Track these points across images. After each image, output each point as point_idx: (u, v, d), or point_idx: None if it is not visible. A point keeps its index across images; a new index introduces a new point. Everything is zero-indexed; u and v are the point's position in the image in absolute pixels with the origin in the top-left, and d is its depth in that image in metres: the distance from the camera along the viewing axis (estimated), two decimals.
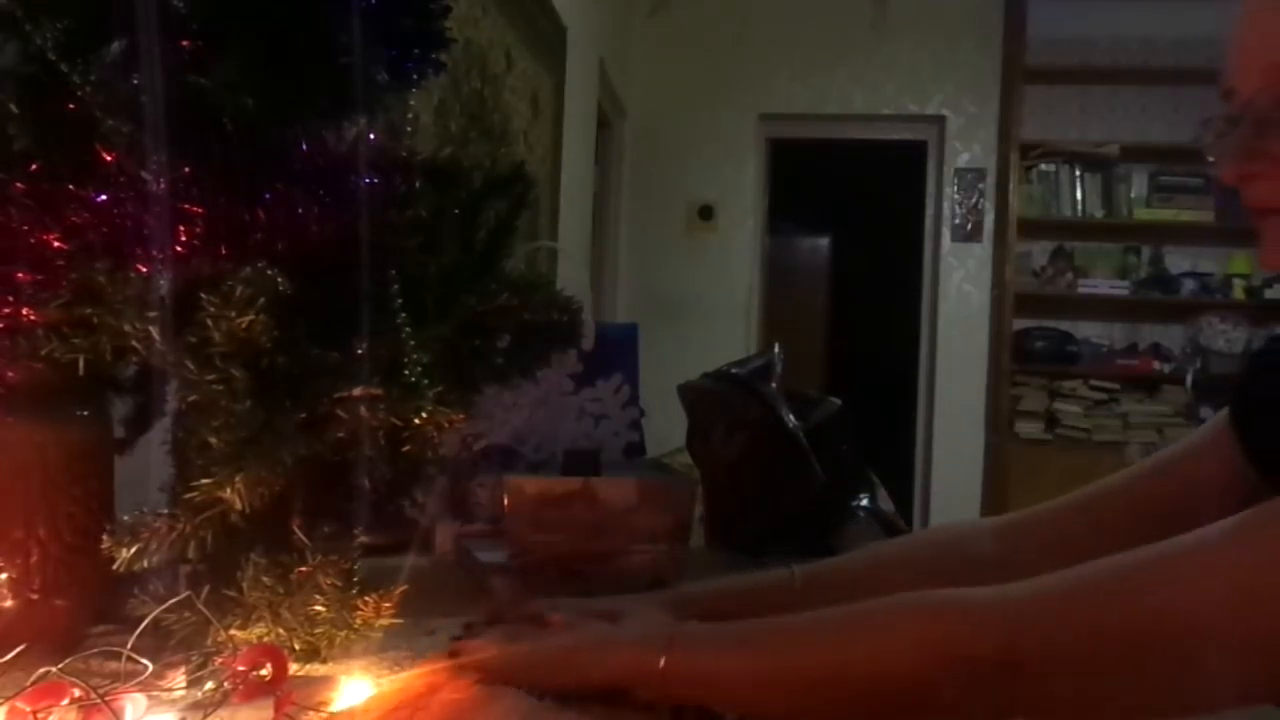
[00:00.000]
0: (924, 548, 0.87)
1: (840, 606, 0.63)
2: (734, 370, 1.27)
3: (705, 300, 5.06)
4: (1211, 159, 0.63)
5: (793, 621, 0.64)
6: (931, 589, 0.78)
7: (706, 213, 5.11)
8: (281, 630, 0.71)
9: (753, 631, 0.65)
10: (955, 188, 5.04)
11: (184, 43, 0.71)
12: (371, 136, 0.78)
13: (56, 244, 0.69)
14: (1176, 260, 4.90)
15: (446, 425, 0.75)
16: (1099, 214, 4.88)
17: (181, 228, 0.70)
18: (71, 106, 0.68)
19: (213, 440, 0.67)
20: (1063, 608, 0.56)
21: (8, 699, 0.59)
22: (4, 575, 0.73)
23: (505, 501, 0.99)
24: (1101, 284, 4.87)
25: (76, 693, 0.59)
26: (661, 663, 0.62)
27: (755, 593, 0.82)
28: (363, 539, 0.77)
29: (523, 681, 0.66)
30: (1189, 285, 4.80)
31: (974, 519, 0.85)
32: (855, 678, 0.59)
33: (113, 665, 0.65)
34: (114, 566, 0.68)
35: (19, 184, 0.68)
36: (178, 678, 0.66)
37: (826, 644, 0.61)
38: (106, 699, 0.59)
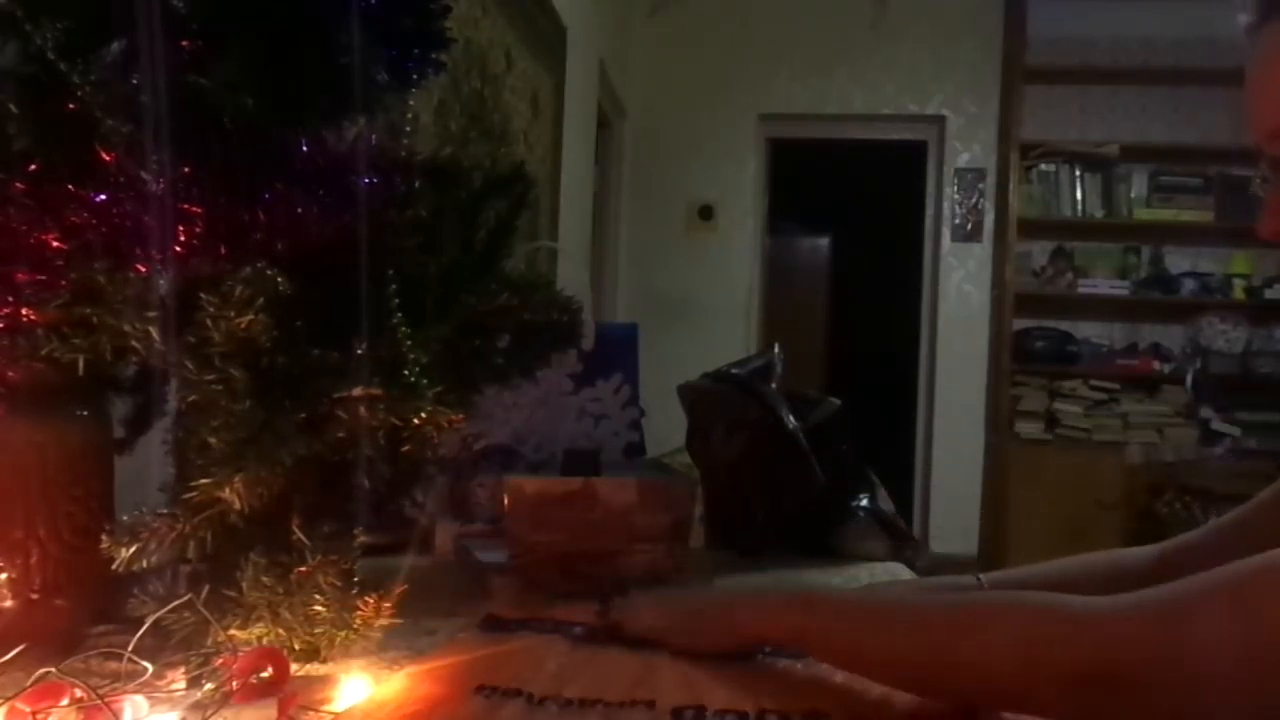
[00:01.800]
0: (1092, 571, 0.87)
1: (957, 597, 0.69)
2: (734, 370, 1.27)
3: (705, 300, 5.06)
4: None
5: (915, 609, 0.69)
6: None
7: (706, 213, 5.11)
8: (281, 630, 0.71)
9: (881, 612, 0.70)
10: (955, 188, 5.04)
11: (184, 43, 0.71)
12: (371, 136, 0.78)
13: (56, 244, 0.69)
14: (1176, 260, 4.90)
15: (446, 425, 0.75)
16: (1099, 214, 4.88)
17: (181, 228, 0.70)
18: (71, 106, 0.68)
19: (213, 440, 0.67)
20: (1166, 620, 0.55)
21: (8, 699, 0.59)
22: (4, 575, 0.73)
23: (505, 501, 0.99)
24: (1101, 284, 4.87)
25: (77, 693, 0.59)
26: (797, 623, 0.71)
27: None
28: (363, 539, 0.77)
29: (685, 640, 0.76)
30: (1189, 285, 4.80)
31: (1142, 548, 0.85)
32: (961, 671, 0.62)
33: (113, 666, 0.65)
34: (114, 566, 0.68)
35: (19, 184, 0.68)
36: (177, 678, 0.66)
37: (938, 636, 0.64)
38: (106, 700, 0.59)
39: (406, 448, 0.75)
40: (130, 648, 0.64)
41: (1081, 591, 0.81)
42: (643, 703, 0.65)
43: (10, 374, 0.71)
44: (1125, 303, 4.90)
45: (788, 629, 0.72)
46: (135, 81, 0.69)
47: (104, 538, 0.68)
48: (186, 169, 0.69)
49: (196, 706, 0.62)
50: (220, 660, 0.66)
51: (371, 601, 0.74)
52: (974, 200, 5.02)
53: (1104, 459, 4.68)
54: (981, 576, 0.85)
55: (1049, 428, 4.83)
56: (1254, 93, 0.65)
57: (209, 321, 0.67)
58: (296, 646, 0.72)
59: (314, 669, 0.72)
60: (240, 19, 0.71)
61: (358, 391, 0.72)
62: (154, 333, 0.67)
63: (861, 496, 1.23)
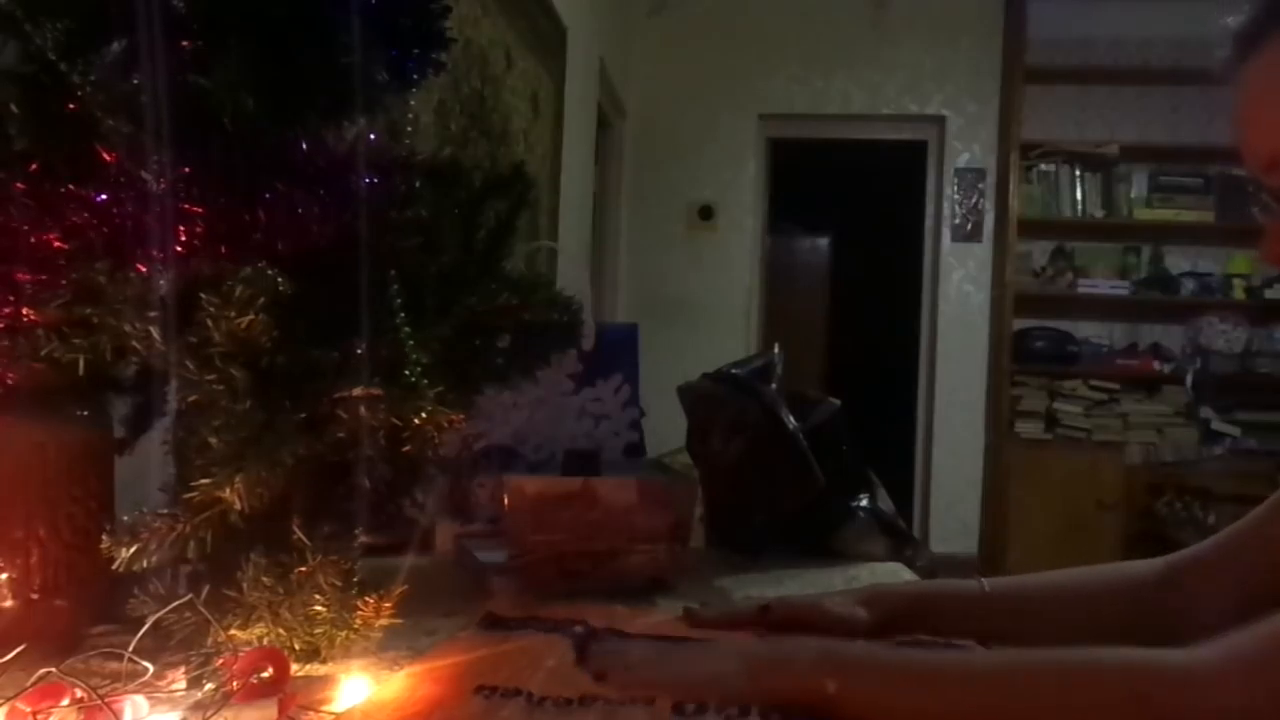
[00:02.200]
0: (1102, 583, 0.85)
1: (1030, 653, 0.62)
2: (734, 371, 1.27)
3: (705, 300, 5.06)
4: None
5: (977, 664, 0.63)
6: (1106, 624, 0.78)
7: (706, 213, 5.11)
8: (281, 630, 0.71)
9: (931, 667, 0.64)
10: (955, 188, 5.04)
11: (184, 43, 0.71)
12: (371, 136, 0.78)
13: (56, 244, 0.69)
14: (1176, 260, 4.90)
15: (446, 425, 0.75)
16: (1099, 214, 4.88)
17: (181, 228, 0.70)
18: (71, 106, 0.68)
19: (213, 440, 0.67)
20: (1264, 670, 0.54)
21: (8, 699, 0.59)
22: (4, 575, 0.73)
23: (505, 501, 0.99)
24: (1101, 284, 4.87)
25: (78, 693, 0.59)
26: (832, 688, 0.62)
27: (946, 599, 0.85)
28: (363, 539, 0.77)
29: (699, 697, 0.65)
30: (1189, 285, 4.80)
31: (1149, 560, 0.84)
32: None
33: (113, 666, 0.65)
34: (114, 566, 0.68)
35: (19, 184, 0.68)
36: (178, 678, 0.66)
37: (1018, 696, 0.59)
38: (107, 700, 0.59)
39: (406, 448, 0.75)
40: (130, 648, 0.64)
41: (1093, 602, 0.80)
42: (643, 700, 0.65)
43: (10, 374, 0.70)
44: (1125, 303, 4.90)
45: (816, 694, 0.63)
46: (135, 81, 0.69)
47: (104, 538, 0.68)
48: (187, 169, 0.69)
49: (197, 706, 0.62)
50: (220, 660, 0.66)
51: (371, 601, 0.74)
52: (974, 200, 5.03)
53: (1104, 459, 4.68)
54: (984, 580, 0.85)
55: (1049, 428, 4.83)
56: (1244, 126, 0.65)
57: (209, 321, 0.67)
58: (296, 646, 0.72)
59: (314, 669, 0.72)
60: (240, 19, 0.71)
61: (358, 391, 0.72)
62: (154, 333, 0.67)
63: (861, 497, 1.23)
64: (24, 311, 0.68)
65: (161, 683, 0.65)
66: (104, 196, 0.69)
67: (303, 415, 0.71)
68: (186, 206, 0.70)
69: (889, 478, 1.33)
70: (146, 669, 0.64)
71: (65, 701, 0.59)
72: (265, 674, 0.64)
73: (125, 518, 0.70)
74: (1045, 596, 0.84)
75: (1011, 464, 4.76)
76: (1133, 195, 4.87)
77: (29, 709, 0.58)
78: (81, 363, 0.67)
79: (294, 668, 0.69)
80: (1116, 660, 0.58)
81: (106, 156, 0.68)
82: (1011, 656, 0.64)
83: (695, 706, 0.64)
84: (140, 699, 0.61)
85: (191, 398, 0.68)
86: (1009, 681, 0.60)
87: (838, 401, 1.25)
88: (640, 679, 0.69)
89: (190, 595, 0.68)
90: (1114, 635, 0.77)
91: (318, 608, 0.72)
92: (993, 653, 0.65)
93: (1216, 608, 0.75)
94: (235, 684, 0.64)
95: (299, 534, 0.72)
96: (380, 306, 0.74)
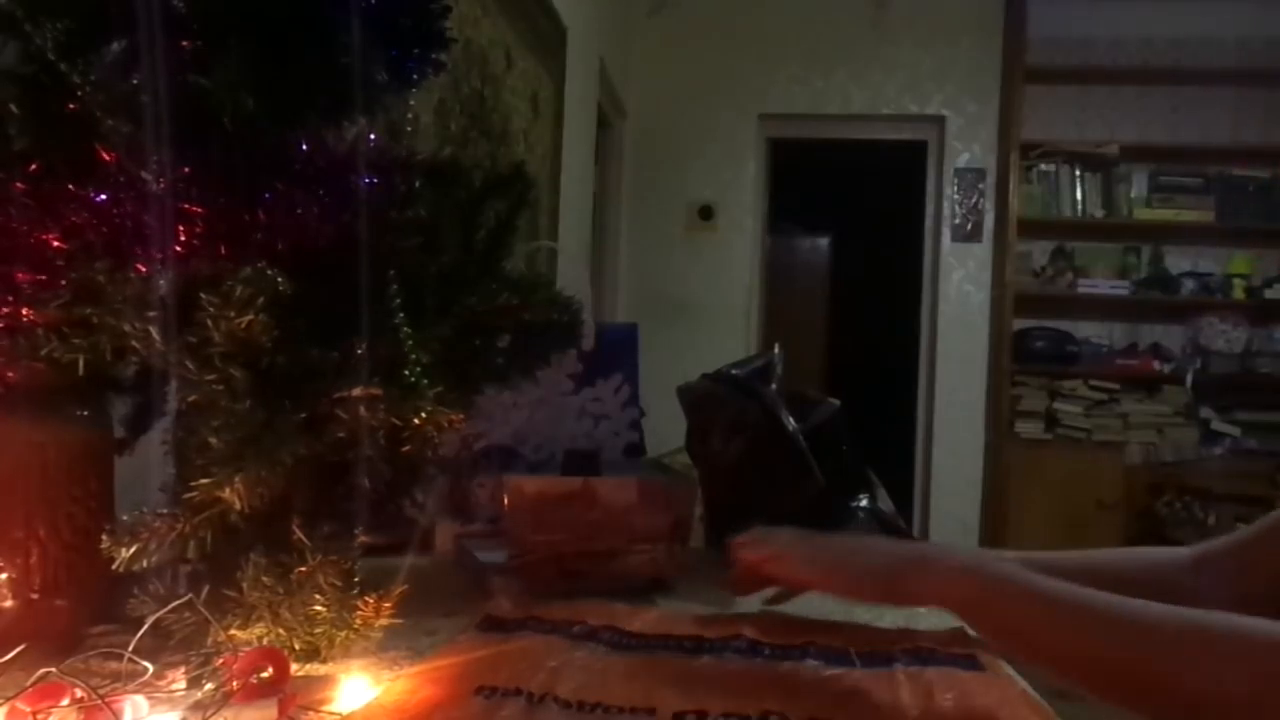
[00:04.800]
0: (1135, 567, 0.87)
1: (1165, 610, 0.62)
2: (733, 371, 1.27)
3: (705, 300, 5.06)
4: None
5: (1119, 612, 0.63)
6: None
7: (706, 213, 5.11)
8: (281, 630, 0.71)
9: (1077, 607, 0.65)
10: (955, 188, 5.04)
11: (184, 43, 0.71)
12: (371, 136, 0.78)
13: (56, 244, 0.69)
14: (1176, 260, 4.90)
15: (446, 425, 0.75)
16: (1099, 214, 4.87)
17: (181, 228, 0.70)
18: (71, 106, 0.68)
19: (213, 440, 0.67)
20: None
21: (8, 699, 0.59)
22: (4, 575, 0.73)
23: (505, 501, 0.99)
24: (1101, 284, 4.87)
25: (77, 693, 0.59)
26: (977, 596, 0.68)
27: None
28: (363, 539, 0.77)
29: (833, 591, 0.76)
30: (1189, 285, 4.80)
31: (1175, 548, 0.86)
32: (1176, 687, 0.58)
33: (113, 666, 0.65)
34: (114, 566, 0.68)
35: (19, 184, 0.68)
36: (178, 678, 0.66)
37: (1154, 651, 0.60)
38: (107, 700, 0.59)
39: (406, 448, 0.75)
40: (130, 648, 0.64)
41: (1124, 584, 0.83)
42: (644, 710, 0.65)
43: (10, 374, 0.70)
44: (1125, 303, 4.90)
45: (956, 600, 0.69)
46: (135, 81, 0.69)
47: (104, 538, 0.68)
48: (186, 169, 0.69)
49: (196, 706, 0.62)
50: (220, 660, 0.66)
51: (371, 601, 0.74)
52: (974, 200, 5.02)
53: (1104, 459, 4.68)
54: (1010, 553, 0.84)
55: (1049, 428, 4.83)
56: None
57: (209, 321, 0.67)
58: (296, 646, 0.72)
59: (314, 669, 0.72)
60: (240, 19, 0.71)
61: (358, 391, 0.72)
62: (154, 333, 0.67)
63: (861, 497, 1.23)
64: (24, 311, 0.68)
65: (161, 683, 0.65)
66: (104, 196, 0.69)
67: (303, 415, 0.71)
68: (186, 206, 0.70)
69: (889, 478, 1.33)
70: (146, 669, 0.64)
71: (65, 701, 0.59)
72: (265, 674, 0.64)
73: (125, 518, 0.70)
74: (1077, 572, 0.85)
75: (1011, 464, 4.76)
76: (1133, 195, 4.86)
77: (29, 709, 0.58)
78: (81, 363, 0.67)
79: (294, 668, 0.69)
80: (1250, 630, 0.58)
81: (106, 156, 0.68)
82: (1156, 611, 0.62)
83: (695, 716, 0.64)
84: (140, 699, 0.61)
85: (191, 398, 0.68)
86: (1148, 634, 0.60)
87: (838, 401, 1.25)
88: (791, 562, 0.78)
89: (190, 595, 0.68)
90: None
91: (318, 608, 0.72)
92: (1136, 603, 0.63)
93: (1238, 600, 0.76)
94: (235, 684, 0.64)
95: (299, 534, 0.72)
96: (380, 306, 0.74)
